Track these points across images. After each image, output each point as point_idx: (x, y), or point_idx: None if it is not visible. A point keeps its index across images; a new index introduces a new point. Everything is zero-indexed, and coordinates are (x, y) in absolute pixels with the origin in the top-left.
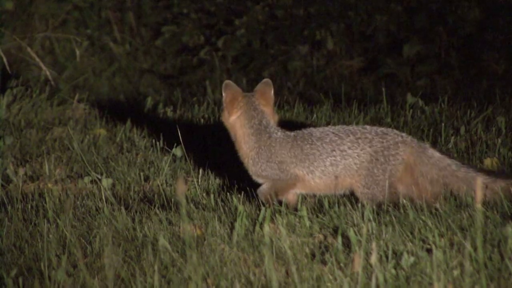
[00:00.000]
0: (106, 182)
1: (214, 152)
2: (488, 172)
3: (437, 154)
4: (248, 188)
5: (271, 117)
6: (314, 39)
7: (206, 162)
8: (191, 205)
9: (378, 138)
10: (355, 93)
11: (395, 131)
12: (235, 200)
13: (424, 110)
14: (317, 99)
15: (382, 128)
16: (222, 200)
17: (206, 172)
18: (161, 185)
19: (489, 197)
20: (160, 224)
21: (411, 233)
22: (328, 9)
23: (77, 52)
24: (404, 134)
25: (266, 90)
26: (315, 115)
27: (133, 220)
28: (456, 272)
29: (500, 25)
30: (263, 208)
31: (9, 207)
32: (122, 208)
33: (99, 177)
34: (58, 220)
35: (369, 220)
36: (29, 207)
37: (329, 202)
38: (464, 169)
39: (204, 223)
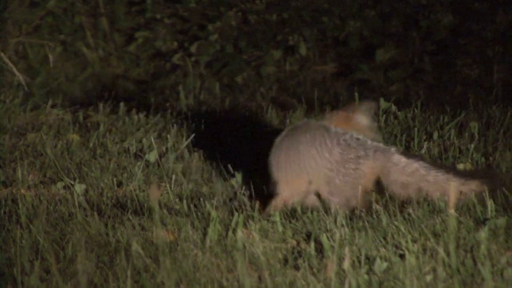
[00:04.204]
0: (79, 188)
1: (187, 157)
2: (461, 174)
3: (403, 160)
4: (222, 194)
5: None
6: (287, 44)
7: (179, 167)
8: (164, 210)
9: (338, 148)
10: (328, 98)
11: (369, 141)
12: (208, 205)
13: (397, 115)
14: (290, 104)
15: (358, 137)
16: (195, 206)
17: (179, 178)
18: (134, 190)
19: (462, 199)
20: (133, 230)
21: (384, 238)
22: (301, 14)
23: (51, 58)
24: (374, 145)
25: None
26: (288, 121)
27: (106, 225)
28: (429, 278)
29: (473, 30)
30: (236, 214)
31: None
32: (95, 213)
33: (72, 182)
34: (31, 226)
35: (342, 225)
36: (2, 212)
37: (301, 207)
38: (434, 172)
39: (177, 229)
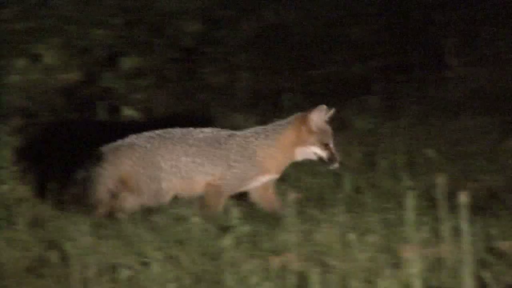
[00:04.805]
0: None
1: None
2: None
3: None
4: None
5: None
6: (32, 53)
7: None
8: None
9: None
10: (74, 106)
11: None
12: None
13: (140, 123)
14: (34, 112)
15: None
16: None
17: None
18: None
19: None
20: None
21: (128, 246)
22: (48, 23)
23: None
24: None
25: None
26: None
27: None
28: (173, 285)
29: (219, 38)
30: None
31: None
32: None
33: None
34: None
35: (86, 233)
36: None
37: (46, 215)
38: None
39: None
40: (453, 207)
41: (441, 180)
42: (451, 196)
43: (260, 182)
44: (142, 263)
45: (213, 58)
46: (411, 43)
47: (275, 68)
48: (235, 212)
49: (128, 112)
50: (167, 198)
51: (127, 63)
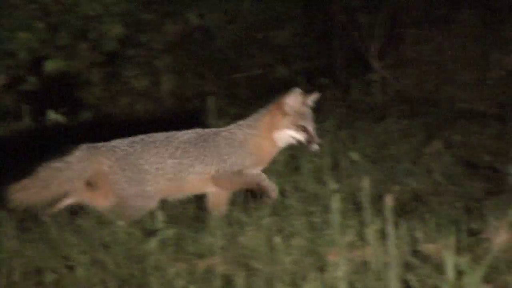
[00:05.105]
0: None
1: None
2: None
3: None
4: None
5: None
6: None
7: None
8: None
9: None
10: None
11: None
12: None
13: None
14: None
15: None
16: None
17: None
18: None
19: None
20: None
21: (53, 250)
22: None
23: None
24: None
25: None
26: None
27: None
28: None
29: (141, 41)
30: None
31: None
32: None
33: None
34: None
35: (12, 237)
36: None
37: None
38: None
39: None
40: (379, 210)
41: (366, 183)
42: (376, 199)
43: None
44: (67, 266)
45: (136, 62)
46: (335, 46)
47: (199, 72)
48: (160, 216)
49: (53, 116)
50: (154, 201)
51: (51, 65)
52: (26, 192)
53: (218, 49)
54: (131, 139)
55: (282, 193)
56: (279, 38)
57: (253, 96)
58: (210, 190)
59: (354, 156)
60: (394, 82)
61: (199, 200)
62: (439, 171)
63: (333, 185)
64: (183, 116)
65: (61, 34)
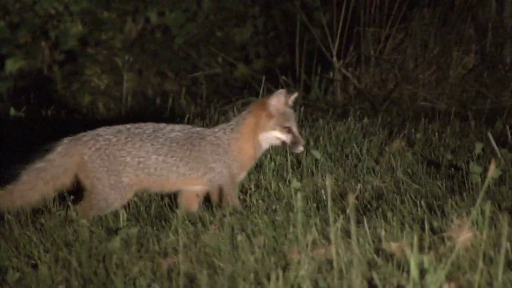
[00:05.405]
0: None
1: None
2: None
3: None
4: None
5: None
6: None
7: None
8: None
9: None
10: None
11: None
12: None
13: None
14: None
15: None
16: None
17: None
18: None
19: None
20: None
21: (16, 248)
22: None
23: None
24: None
25: None
26: None
27: None
28: (61, 287)
29: (102, 39)
30: None
31: None
32: None
33: None
34: None
35: None
36: None
37: None
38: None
39: None
40: (341, 209)
41: (328, 182)
42: (339, 197)
43: (243, 176)
44: (30, 265)
45: (97, 60)
46: (295, 45)
47: (160, 70)
48: (123, 214)
49: (13, 113)
50: (128, 193)
51: (12, 65)
52: (11, 197)
53: (179, 48)
54: (117, 127)
55: (245, 191)
56: (239, 36)
57: (213, 94)
58: (190, 188)
59: (316, 154)
60: (355, 80)
61: (162, 198)
62: (402, 170)
63: (295, 184)
64: (144, 114)
65: (21, 32)
